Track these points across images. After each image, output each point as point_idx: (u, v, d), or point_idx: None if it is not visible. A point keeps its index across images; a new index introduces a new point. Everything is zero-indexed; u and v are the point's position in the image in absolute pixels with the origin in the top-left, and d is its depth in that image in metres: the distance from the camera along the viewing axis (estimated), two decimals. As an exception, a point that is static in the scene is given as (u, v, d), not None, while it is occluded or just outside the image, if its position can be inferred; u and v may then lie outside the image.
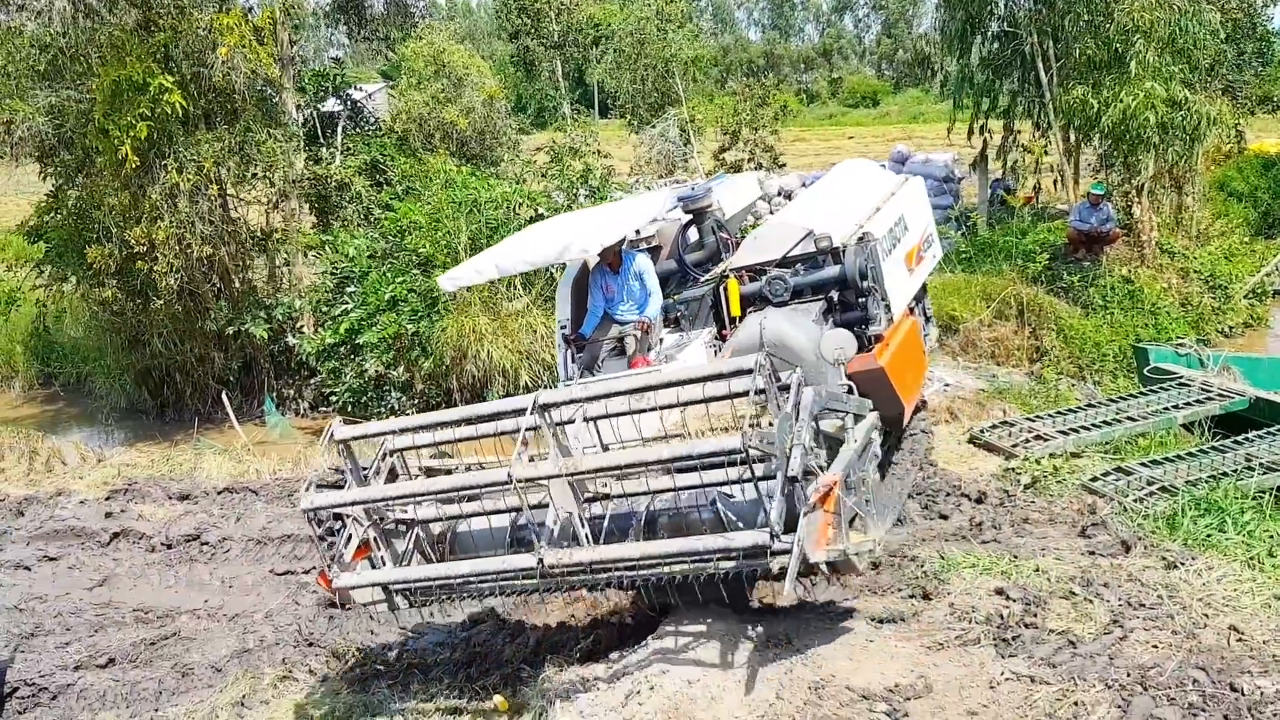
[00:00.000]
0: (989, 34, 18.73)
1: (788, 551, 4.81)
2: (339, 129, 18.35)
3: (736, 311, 7.56)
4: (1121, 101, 14.25)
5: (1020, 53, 18.03)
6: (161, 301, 13.92)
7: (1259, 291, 18.60)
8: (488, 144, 20.92)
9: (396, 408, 14.19)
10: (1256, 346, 16.67)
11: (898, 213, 8.26)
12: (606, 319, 8.12)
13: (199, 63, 13.12)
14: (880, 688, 5.52)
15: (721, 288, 7.72)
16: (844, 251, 7.42)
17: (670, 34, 20.81)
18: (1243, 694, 4.95)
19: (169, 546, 11.22)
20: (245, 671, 8.26)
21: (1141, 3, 14.59)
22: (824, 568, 5.07)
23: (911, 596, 6.74)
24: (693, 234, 8.84)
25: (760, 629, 6.25)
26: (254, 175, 15.39)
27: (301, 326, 15.35)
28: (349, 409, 14.48)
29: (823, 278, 7.46)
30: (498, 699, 6.92)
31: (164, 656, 8.69)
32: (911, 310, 8.37)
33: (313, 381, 15.50)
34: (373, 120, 19.96)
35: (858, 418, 5.75)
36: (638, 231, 8.32)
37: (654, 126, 20.99)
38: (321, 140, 17.98)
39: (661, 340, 8.04)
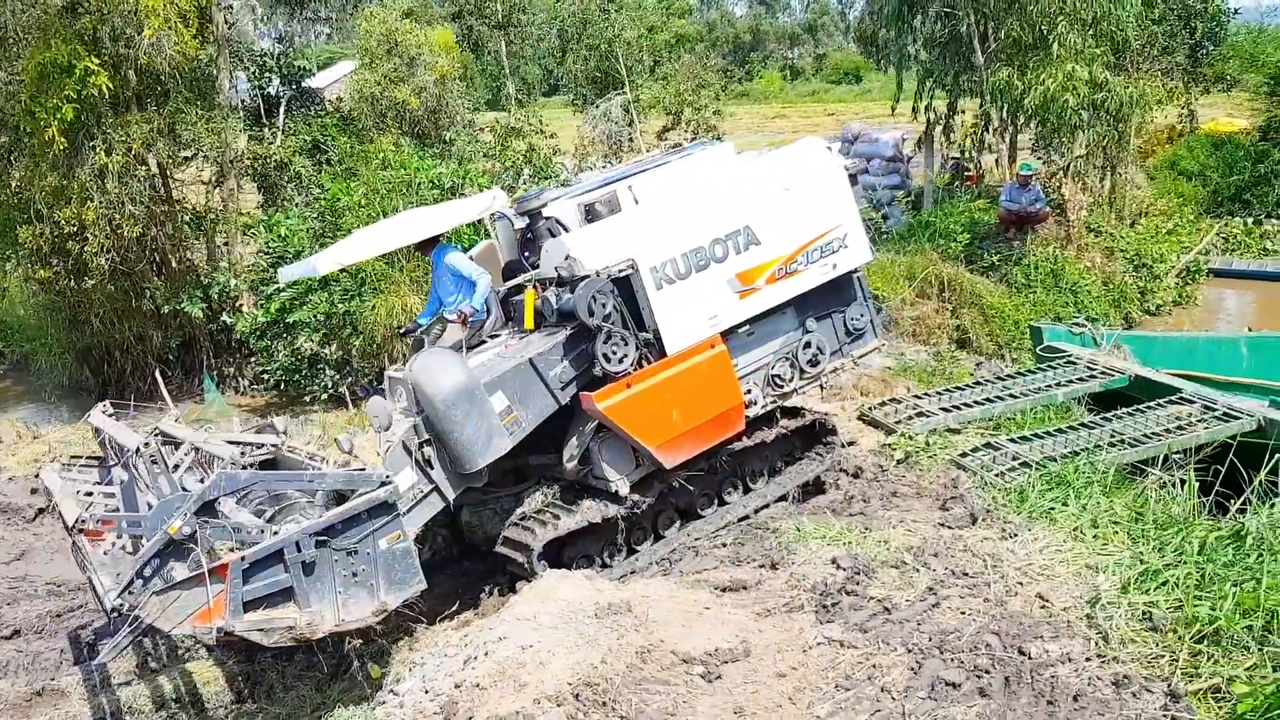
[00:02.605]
0: (929, 14, 18.92)
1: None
2: (282, 109, 18.49)
3: (530, 324, 7.55)
4: (1043, 84, 14.48)
5: (958, 33, 18.24)
6: (94, 282, 14.11)
7: (1193, 270, 18.90)
8: (441, 123, 21.04)
9: (330, 386, 14.42)
10: (1183, 324, 17.02)
11: (733, 226, 7.47)
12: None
13: (127, 44, 13.23)
14: (702, 652, 5.80)
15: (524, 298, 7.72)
16: (575, 285, 7.07)
17: (613, 15, 20.98)
18: (1029, 657, 5.25)
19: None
20: (141, 642, 8.52)
21: (1064, -16, 14.80)
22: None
23: (761, 566, 7.04)
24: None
25: (606, 596, 6.53)
26: (188, 156, 15.55)
27: (241, 305, 15.56)
28: (283, 387, 14.72)
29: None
30: (372, 667, 7.22)
31: (69, 628, 8.94)
32: (723, 337, 7.54)
33: (252, 360, 15.74)
34: (319, 100, 20.10)
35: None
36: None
37: (598, 107, 21.23)
38: (264, 121, 18.14)
39: (495, 336, 8.16)
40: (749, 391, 7.77)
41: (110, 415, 8.50)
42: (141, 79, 13.88)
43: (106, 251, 13.76)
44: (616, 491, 7.43)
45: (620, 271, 7.16)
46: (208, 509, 5.84)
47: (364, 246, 7.80)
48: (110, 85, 12.85)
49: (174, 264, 15.60)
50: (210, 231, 16.09)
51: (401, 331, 9.50)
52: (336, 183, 14.97)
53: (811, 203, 7.83)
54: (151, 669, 8.06)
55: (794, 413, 8.45)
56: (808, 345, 7.97)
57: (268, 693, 7.38)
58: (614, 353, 7.15)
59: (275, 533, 5.93)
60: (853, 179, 8.20)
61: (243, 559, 5.71)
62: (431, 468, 7.05)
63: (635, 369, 7.22)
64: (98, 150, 13.23)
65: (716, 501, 8.15)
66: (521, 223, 8.26)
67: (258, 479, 6.29)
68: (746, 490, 8.27)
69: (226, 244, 16.40)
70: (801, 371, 7.97)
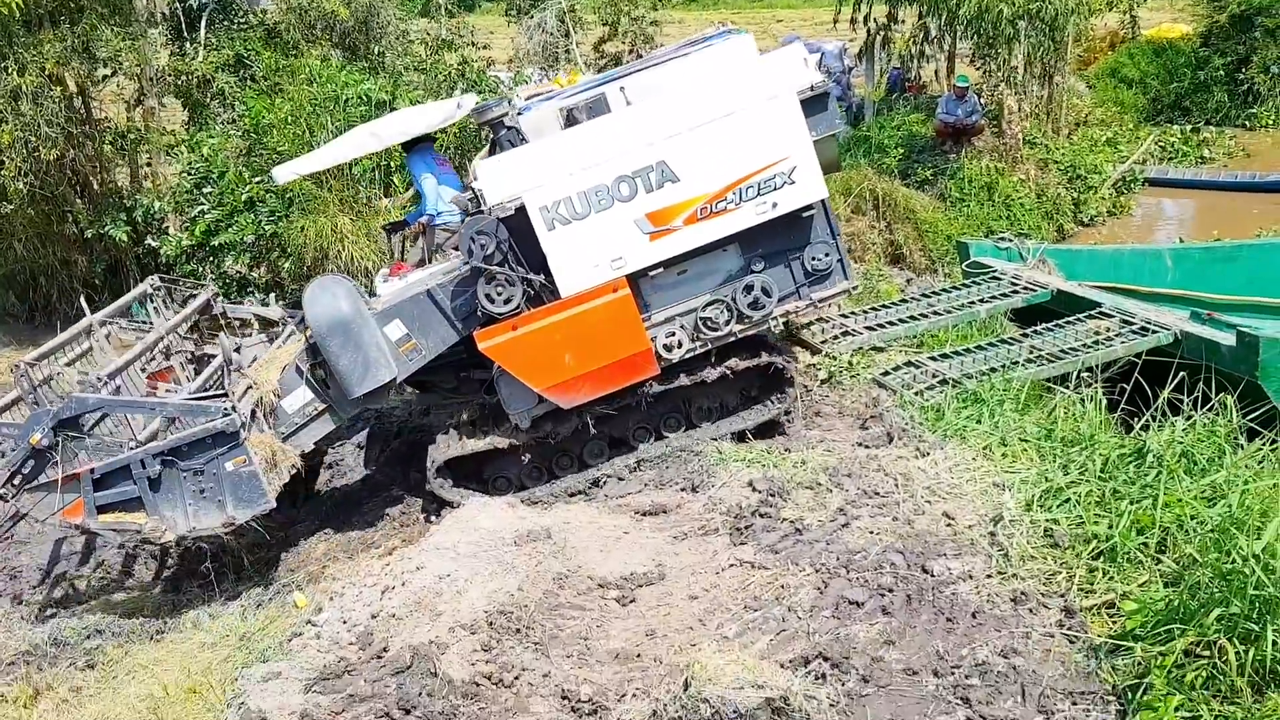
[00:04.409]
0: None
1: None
2: (204, 22, 17.87)
3: None
4: (978, -7, 14.37)
5: (895, -59, 18.01)
6: (14, 206, 13.70)
7: (1129, 179, 19.06)
8: (373, 35, 20.47)
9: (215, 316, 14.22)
10: (1117, 235, 17.20)
11: (644, 162, 6.96)
12: None
13: (35, -43, 12.68)
14: (618, 576, 5.91)
15: None
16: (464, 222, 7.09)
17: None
18: (931, 575, 5.39)
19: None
20: (61, 576, 8.52)
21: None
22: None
23: (682, 490, 7.13)
24: None
25: (526, 524, 6.59)
26: (107, 75, 15.02)
27: (166, 227, 15.20)
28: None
29: None
30: (297, 595, 7.25)
31: (-2, 560, 8.89)
32: (635, 279, 7.22)
33: (181, 283, 15.41)
34: (242, 12, 19.43)
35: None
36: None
37: (532, 17, 20.77)
38: (186, 36, 17.54)
39: (438, 249, 8.23)
40: (672, 334, 7.40)
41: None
42: (53, -5, 13.34)
43: (24, 175, 13.33)
44: (517, 424, 7.45)
45: (504, 211, 6.97)
46: (70, 424, 6.94)
47: (321, 156, 8.18)
48: (21, 3, 12.32)
49: (96, 186, 15.16)
50: (132, 152, 15.62)
51: (385, 227, 9.57)
52: (260, 100, 14.55)
53: (747, 133, 7.03)
54: (77, 601, 8.06)
55: (746, 354, 7.83)
56: (749, 288, 7.39)
57: (193, 622, 7.41)
58: (498, 294, 7.09)
59: (131, 449, 7.03)
60: (821, 101, 7.34)
61: (92, 470, 6.91)
62: (327, 388, 7.49)
63: (528, 309, 7.13)
64: (10, 71, 12.72)
65: (653, 435, 7.98)
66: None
67: (103, 403, 7.14)
68: (690, 426, 8.01)
69: (149, 164, 15.95)
70: (740, 315, 7.44)
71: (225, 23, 18.91)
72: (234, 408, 6.94)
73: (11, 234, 14.84)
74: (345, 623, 5.80)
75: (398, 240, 9.17)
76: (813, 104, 7.23)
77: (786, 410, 8.00)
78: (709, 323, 7.43)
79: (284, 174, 8.07)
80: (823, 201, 7.42)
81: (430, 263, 8.29)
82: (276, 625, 6.78)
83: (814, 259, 7.55)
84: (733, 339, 7.57)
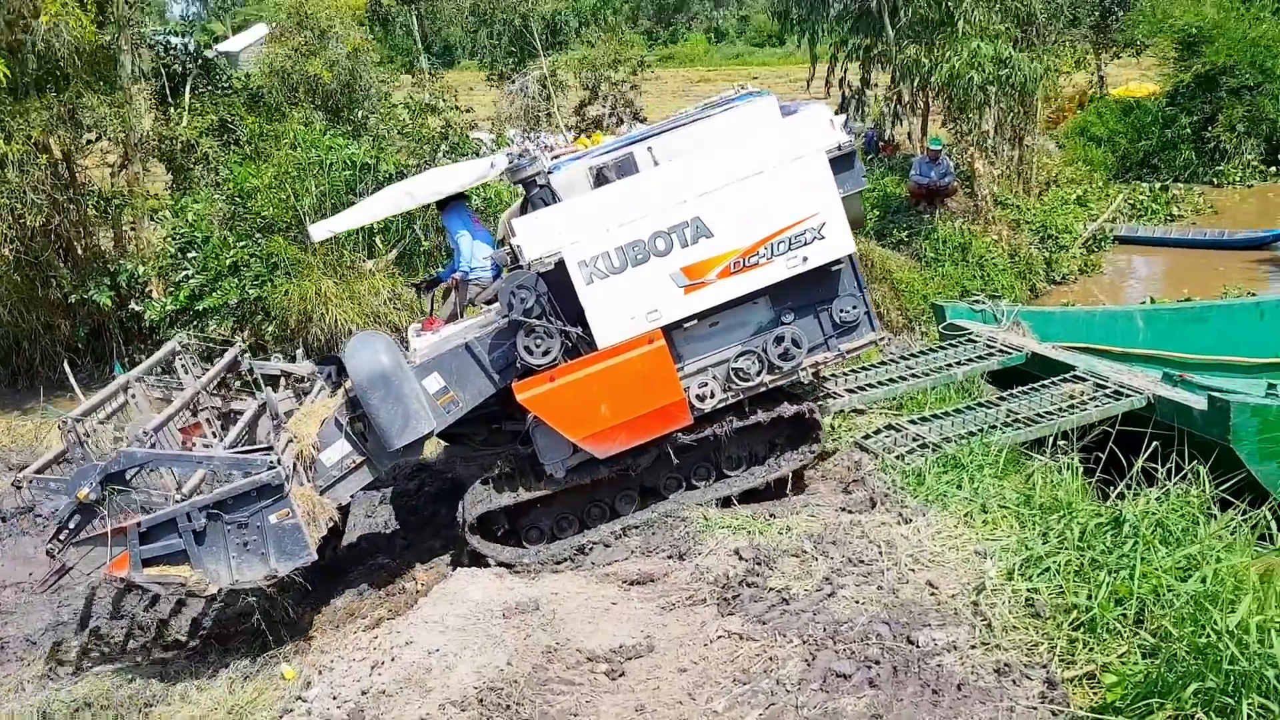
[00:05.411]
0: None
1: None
2: (187, 87, 18.06)
3: None
4: (949, 61, 14.73)
5: (868, 8, 18.44)
6: (-1, 271, 13.83)
7: (1099, 238, 19.44)
8: (355, 98, 20.72)
9: (247, 373, 14.26)
10: (1089, 293, 17.52)
11: (679, 218, 7.13)
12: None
13: (24, 30, 12.85)
14: (607, 649, 5.95)
15: None
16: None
17: (528, -13, 20.88)
18: (916, 646, 5.47)
19: (3, 520, 11.37)
20: (55, 645, 8.46)
21: (970, -38, 15.03)
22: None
23: (670, 557, 7.18)
24: None
25: (515, 595, 6.64)
26: (91, 140, 15.20)
27: (150, 292, 15.27)
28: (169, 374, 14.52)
29: None
30: (285, 668, 7.24)
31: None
32: (669, 331, 7.31)
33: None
34: (226, 77, 19.66)
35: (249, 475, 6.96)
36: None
37: (513, 81, 21.08)
38: (170, 101, 17.72)
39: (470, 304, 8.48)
40: (705, 384, 7.53)
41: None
42: (40, 64, 13.50)
43: (10, 241, 13.44)
44: (551, 474, 7.59)
45: (544, 266, 7.15)
46: (117, 478, 6.95)
47: (356, 214, 8.30)
48: (8, 73, 12.49)
49: (80, 251, 15.27)
50: (116, 216, 15.75)
51: (419, 285, 9.90)
52: (245, 165, 14.72)
53: (779, 190, 7.19)
54: (62, 676, 8.01)
55: (771, 404, 7.89)
56: (780, 339, 7.52)
57: (181, 695, 7.38)
58: (536, 346, 7.23)
59: (176, 502, 6.99)
60: (848, 159, 7.43)
61: (139, 524, 6.90)
62: (365, 441, 7.57)
63: (564, 360, 7.28)
64: (-2, 140, 12.90)
65: (685, 485, 8.08)
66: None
67: (151, 457, 7.15)
68: (720, 476, 8.09)
69: (133, 228, 16.08)
70: (771, 366, 7.56)
71: (209, 87, 19.12)
72: (279, 460, 7.00)
73: (-4, 298, 14.90)
74: (335, 699, 5.81)
75: (428, 297, 9.53)
76: (840, 162, 7.37)
77: (817, 457, 8.18)
78: (740, 373, 7.58)
79: (319, 232, 8.15)
80: (850, 256, 7.58)
81: (461, 317, 8.48)
82: (265, 698, 6.77)
83: (842, 311, 7.69)
84: (763, 389, 7.71)
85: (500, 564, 7.67)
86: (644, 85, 24.47)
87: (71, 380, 13.38)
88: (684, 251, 7.19)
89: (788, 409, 7.85)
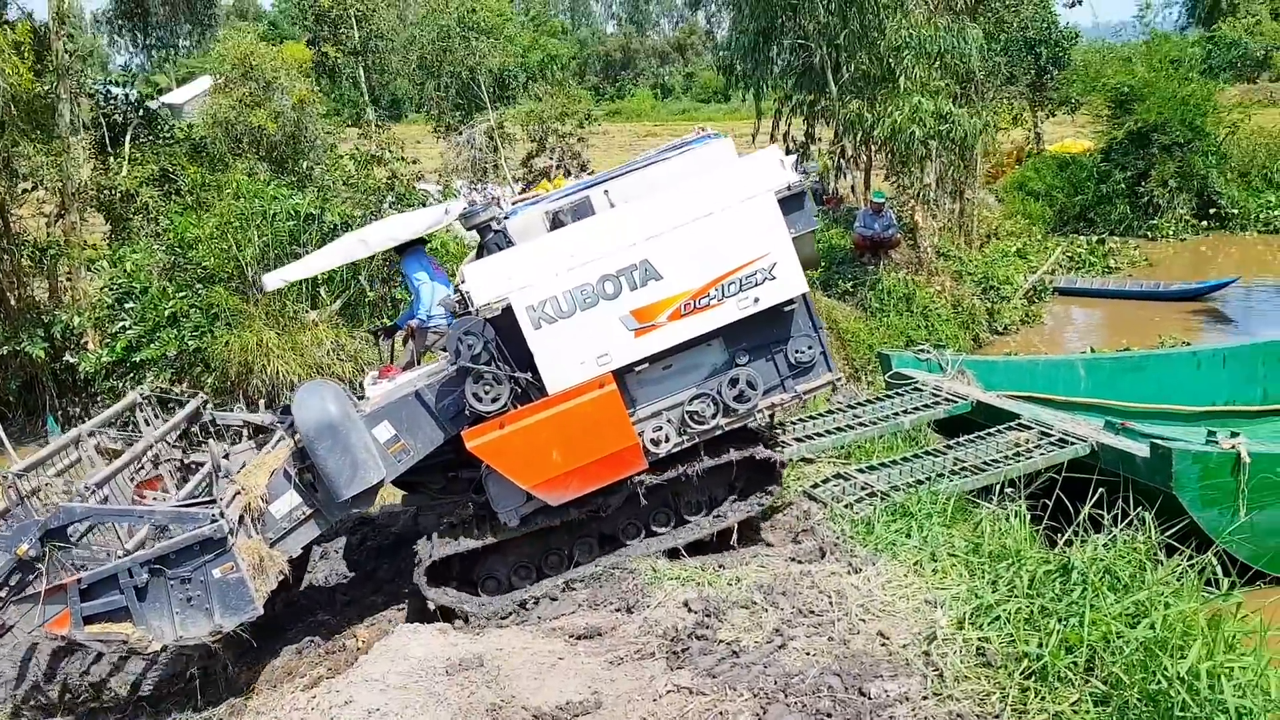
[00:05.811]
0: (784, 45, 19.40)
1: None
2: (128, 136, 17.85)
3: None
4: (891, 116, 15.00)
5: (811, 64, 18.75)
6: (-73, 322, 13.46)
7: (1039, 289, 19.79)
8: (301, 149, 20.62)
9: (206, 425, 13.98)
10: (1031, 343, 17.80)
11: (628, 261, 7.05)
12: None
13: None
14: (553, 706, 5.79)
15: None
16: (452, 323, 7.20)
17: (473, 42, 20.86)
18: (869, 698, 5.38)
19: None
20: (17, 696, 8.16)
21: (910, 20, 15.36)
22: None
23: (617, 610, 7.04)
24: None
25: (459, 651, 6.47)
26: (26, 190, 14.92)
27: (86, 343, 14.95)
28: (131, 428, 14.16)
29: None
30: (224, 734, 7.00)
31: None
32: (620, 375, 7.22)
33: (98, 400, 15.11)
34: (169, 127, 19.49)
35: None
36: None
37: (460, 133, 21.11)
38: (110, 150, 17.50)
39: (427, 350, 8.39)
40: (659, 429, 7.42)
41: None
42: (-26, 113, 13.30)
43: (-61, 291, 13.12)
44: (505, 522, 7.44)
45: (491, 312, 7.05)
46: (57, 534, 6.75)
47: (310, 264, 8.21)
48: (-59, 120, 12.28)
49: (13, 301, 14.92)
50: (51, 266, 15.44)
51: (377, 332, 9.75)
52: (185, 215, 14.51)
53: (727, 231, 7.11)
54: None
55: (729, 448, 7.76)
56: (734, 382, 7.42)
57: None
58: (485, 393, 7.11)
59: (119, 557, 6.78)
60: (798, 200, 7.34)
61: (79, 581, 6.69)
62: (315, 492, 7.38)
63: (514, 406, 7.16)
64: (-73, 188, 12.62)
65: (644, 532, 7.95)
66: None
67: (91, 512, 6.93)
68: (680, 523, 7.98)
69: (69, 279, 15.76)
70: (726, 409, 7.45)
71: (150, 137, 18.93)
72: (222, 514, 6.81)
73: (-75, 349, 14.50)
74: (272, 763, 5.60)
75: (386, 344, 9.41)
76: (790, 202, 7.30)
77: (774, 505, 8.11)
78: (695, 416, 7.47)
79: (273, 281, 8.06)
80: (804, 296, 7.50)
81: (419, 364, 8.37)
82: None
83: (797, 352, 7.58)
84: (719, 432, 7.58)
85: (454, 614, 7.50)
86: (591, 139, 24.66)
87: (1, 434, 13.04)
88: (633, 295, 7.11)
89: (760, 451, 7.74)
